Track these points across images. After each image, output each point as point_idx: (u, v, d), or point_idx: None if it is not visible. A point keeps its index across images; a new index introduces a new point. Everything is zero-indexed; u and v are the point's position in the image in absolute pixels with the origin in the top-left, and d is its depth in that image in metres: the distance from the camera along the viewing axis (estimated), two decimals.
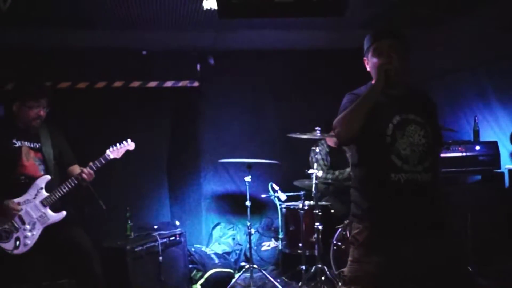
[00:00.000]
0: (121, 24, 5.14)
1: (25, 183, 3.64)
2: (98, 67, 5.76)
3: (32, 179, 3.66)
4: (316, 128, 4.70)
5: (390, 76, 2.52)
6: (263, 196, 5.50)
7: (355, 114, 2.48)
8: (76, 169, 3.93)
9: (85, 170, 3.76)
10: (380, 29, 2.69)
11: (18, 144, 3.66)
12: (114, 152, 3.96)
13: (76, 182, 3.74)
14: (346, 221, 4.61)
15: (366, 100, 2.49)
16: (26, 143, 3.70)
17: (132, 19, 4.99)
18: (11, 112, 3.70)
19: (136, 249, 4.45)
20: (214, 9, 4.50)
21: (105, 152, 3.93)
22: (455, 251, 2.64)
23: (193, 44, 5.90)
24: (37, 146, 3.76)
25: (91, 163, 3.82)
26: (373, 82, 2.64)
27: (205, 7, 4.55)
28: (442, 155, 4.54)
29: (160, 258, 4.62)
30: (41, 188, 3.66)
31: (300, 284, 4.62)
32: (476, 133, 4.95)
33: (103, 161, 3.87)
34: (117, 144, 4.01)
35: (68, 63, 5.62)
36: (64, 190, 3.71)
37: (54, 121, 3.93)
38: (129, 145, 4.07)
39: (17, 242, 3.51)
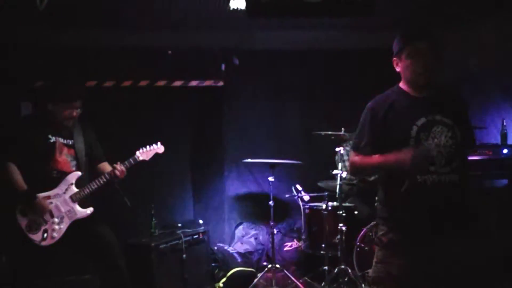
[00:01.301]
0: (147, 23, 5.20)
1: (57, 177, 3.71)
2: (124, 66, 5.81)
3: (64, 174, 3.74)
4: (342, 128, 4.69)
5: (429, 78, 2.53)
6: (286, 196, 5.50)
7: (365, 172, 2.88)
8: (106, 166, 3.99)
9: (118, 167, 3.81)
10: (414, 30, 2.66)
11: (53, 139, 3.74)
12: (144, 154, 4.01)
13: (108, 178, 3.80)
14: (372, 223, 4.59)
15: (377, 168, 2.69)
16: (60, 139, 3.78)
17: (158, 19, 5.04)
18: (46, 109, 3.77)
19: (161, 246, 4.52)
20: (240, 9, 4.53)
21: (134, 153, 3.98)
22: (481, 253, 2.62)
23: (218, 44, 5.93)
24: (70, 142, 3.83)
25: (119, 163, 3.87)
26: (403, 86, 2.64)
27: (231, 7, 4.58)
28: (469, 158, 4.49)
29: (184, 255, 4.66)
30: (72, 184, 3.73)
31: (322, 284, 4.62)
32: (504, 136, 4.88)
33: (133, 162, 3.93)
34: (147, 146, 4.05)
35: (95, 62, 5.68)
36: (94, 187, 3.78)
37: (85, 119, 3.99)
38: (159, 148, 4.12)
39: (45, 234, 3.59)
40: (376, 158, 2.58)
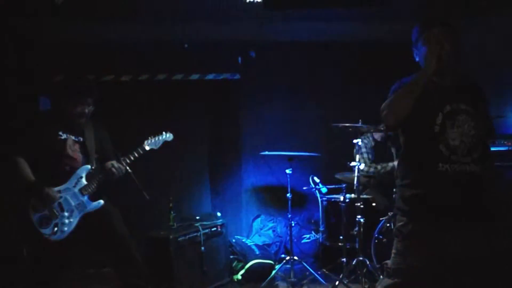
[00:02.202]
0: (163, 16, 5.21)
1: (69, 172, 3.74)
2: (141, 60, 5.86)
3: (76, 169, 3.76)
4: (359, 120, 4.68)
5: (442, 62, 2.46)
6: (304, 188, 5.50)
7: (403, 98, 2.49)
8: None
9: (115, 164, 3.83)
10: (430, 18, 2.64)
11: (64, 136, 3.75)
12: (152, 144, 4.05)
13: (106, 176, 3.83)
14: (390, 213, 4.58)
15: (416, 84, 2.47)
16: (71, 136, 3.79)
17: (174, 12, 5.05)
18: (58, 106, 3.81)
19: (179, 239, 4.54)
20: (257, 1, 4.52)
21: (142, 143, 4.01)
22: (504, 244, 2.58)
23: (234, 37, 5.94)
24: (81, 139, 3.84)
25: (121, 158, 3.90)
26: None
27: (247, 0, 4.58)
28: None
29: (202, 248, 4.69)
30: (81, 177, 3.75)
31: (340, 276, 4.60)
32: None
33: (141, 152, 3.97)
34: (155, 136, 4.09)
35: (112, 56, 5.73)
36: (101, 180, 3.81)
37: (99, 114, 3.99)
38: (167, 136, 4.14)
39: (55, 228, 3.60)
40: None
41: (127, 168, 3.90)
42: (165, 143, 4.15)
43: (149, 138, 4.07)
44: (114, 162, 3.87)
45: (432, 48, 2.51)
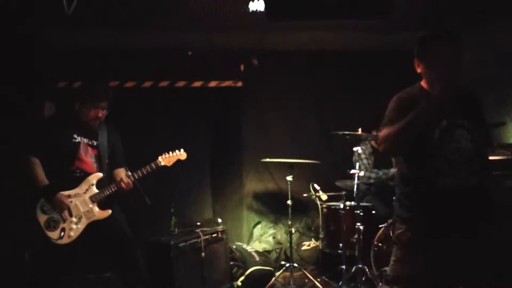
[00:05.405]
0: (167, 24, 5.26)
1: (80, 177, 3.76)
2: (145, 67, 5.89)
3: (87, 174, 3.78)
4: (359, 128, 4.72)
5: (449, 90, 2.40)
6: (304, 195, 5.52)
7: (406, 133, 2.45)
8: (121, 173, 4.00)
9: (124, 179, 3.83)
10: (436, 31, 2.62)
11: (78, 139, 3.79)
12: (166, 160, 4.06)
13: (116, 189, 3.85)
14: (389, 221, 4.61)
15: (420, 119, 2.41)
16: (85, 139, 3.83)
17: (178, 20, 5.10)
18: (73, 109, 3.83)
19: (180, 245, 4.56)
20: (260, 11, 4.57)
21: (157, 158, 4.03)
22: (500, 254, 2.62)
23: (237, 45, 5.98)
24: (95, 143, 3.88)
25: (133, 173, 3.90)
26: (424, 85, 2.62)
27: (251, 9, 4.62)
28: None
29: (203, 254, 4.71)
30: (92, 184, 3.78)
31: (340, 283, 4.63)
32: None
33: (154, 167, 3.98)
34: (170, 153, 4.11)
35: (116, 63, 5.77)
36: (112, 191, 3.82)
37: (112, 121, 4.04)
38: (181, 154, 4.16)
39: (62, 233, 3.64)
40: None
41: (133, 179, 3.91)
42: (178, 160, 4.17)
43: (164, 154, 4.08)
44: (124, 176, 3.87)
45: (438, 66, 2.49)
